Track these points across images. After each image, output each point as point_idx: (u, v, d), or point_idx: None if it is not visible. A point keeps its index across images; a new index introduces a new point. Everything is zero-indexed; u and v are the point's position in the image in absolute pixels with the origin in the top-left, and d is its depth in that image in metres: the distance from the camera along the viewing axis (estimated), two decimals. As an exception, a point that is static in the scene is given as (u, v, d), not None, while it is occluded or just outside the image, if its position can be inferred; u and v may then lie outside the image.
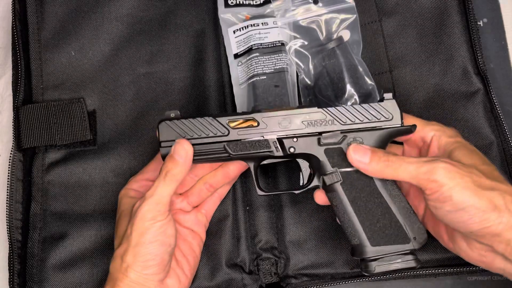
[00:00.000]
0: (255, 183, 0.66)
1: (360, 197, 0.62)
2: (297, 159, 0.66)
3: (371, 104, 0.64)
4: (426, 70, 0.76)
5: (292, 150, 0.64)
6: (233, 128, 0.64)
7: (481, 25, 0.81)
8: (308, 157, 0.65)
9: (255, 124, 0.64)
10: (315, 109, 0.64)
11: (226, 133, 0.64)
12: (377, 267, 0.61)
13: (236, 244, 0.72)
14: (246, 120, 0.65)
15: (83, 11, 0.77)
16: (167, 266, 0.62)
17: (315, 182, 0.65)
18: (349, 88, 0.73)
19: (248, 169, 0.68)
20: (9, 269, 0.69)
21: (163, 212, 0.61)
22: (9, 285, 0.69)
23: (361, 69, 0.74)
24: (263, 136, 0.64)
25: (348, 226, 0.63)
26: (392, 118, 0.64)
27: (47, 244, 0.71)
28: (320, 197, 0.66)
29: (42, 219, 0.72)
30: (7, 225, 0.70)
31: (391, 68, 0.76)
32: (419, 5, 0.77)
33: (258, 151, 0.64)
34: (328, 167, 0.63)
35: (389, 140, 0.64)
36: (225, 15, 0.77)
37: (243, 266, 0.71)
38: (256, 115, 0.64)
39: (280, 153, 0.64)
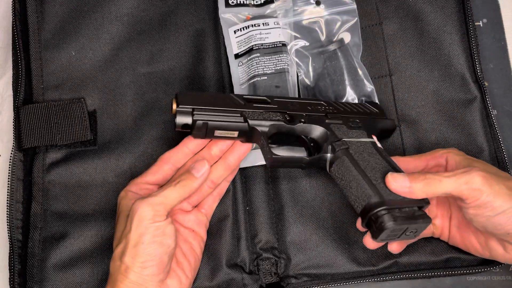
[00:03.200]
0: (267, 150, 0.65)
1: (364, 158, 0.64)
2: (303, 136, 0.68)
3: (364, 103, 0.72)
4: (425, 75, 0.76)
5: (302, 120, 0.67)
6: (249, 102, 0.67)
7: (481, 25, 0.81)
8: (316, 128, 0.68)
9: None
10: (320, 101, 0.70)
11: (243, 104, 0.67)
12: (398, 217, 0.58)
13: (236, 244, 0.72)
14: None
15: (83, 11, 0.77)
16: (166, 267, 0.62)
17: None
18: (349, 90, 0.73)
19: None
20: (10, 269, 0.69)
21: (161, 214, 0.61)
22: (10, 284, 0.69)
23: (361, 72, 0.74)
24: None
25: (356, 189, 0.61)
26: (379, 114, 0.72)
27: (48, 244, 0.71)
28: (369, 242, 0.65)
29: (43, 219, 0.72)
30: (7, 224, 0.70)
31: (390, 72, 0.76)
32: (419, 10, 0.77)
33: (273, 118, 0.66)
34: (336, 136, 0.66)
35: (378, 128, 0.70)
36: (225, 15, 0.77)
37: (243, 266, 0.71)
38: (269, 97, 0.69)
39: (292, 123, 0.67)
